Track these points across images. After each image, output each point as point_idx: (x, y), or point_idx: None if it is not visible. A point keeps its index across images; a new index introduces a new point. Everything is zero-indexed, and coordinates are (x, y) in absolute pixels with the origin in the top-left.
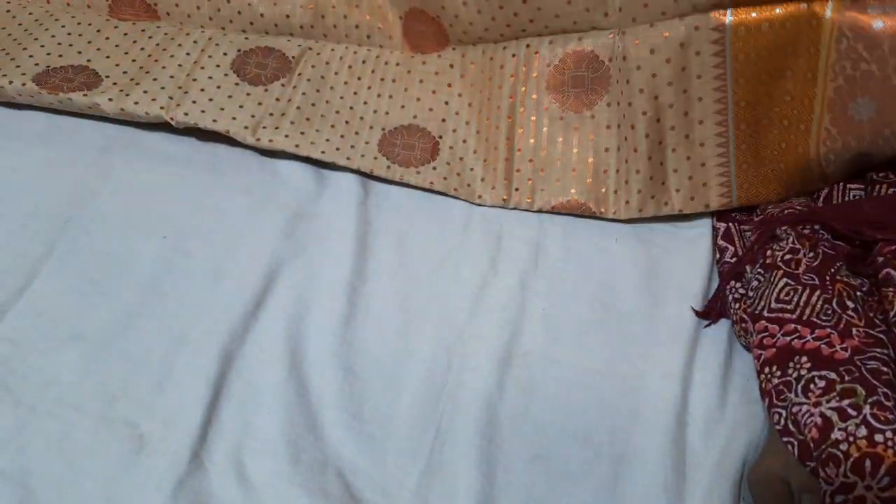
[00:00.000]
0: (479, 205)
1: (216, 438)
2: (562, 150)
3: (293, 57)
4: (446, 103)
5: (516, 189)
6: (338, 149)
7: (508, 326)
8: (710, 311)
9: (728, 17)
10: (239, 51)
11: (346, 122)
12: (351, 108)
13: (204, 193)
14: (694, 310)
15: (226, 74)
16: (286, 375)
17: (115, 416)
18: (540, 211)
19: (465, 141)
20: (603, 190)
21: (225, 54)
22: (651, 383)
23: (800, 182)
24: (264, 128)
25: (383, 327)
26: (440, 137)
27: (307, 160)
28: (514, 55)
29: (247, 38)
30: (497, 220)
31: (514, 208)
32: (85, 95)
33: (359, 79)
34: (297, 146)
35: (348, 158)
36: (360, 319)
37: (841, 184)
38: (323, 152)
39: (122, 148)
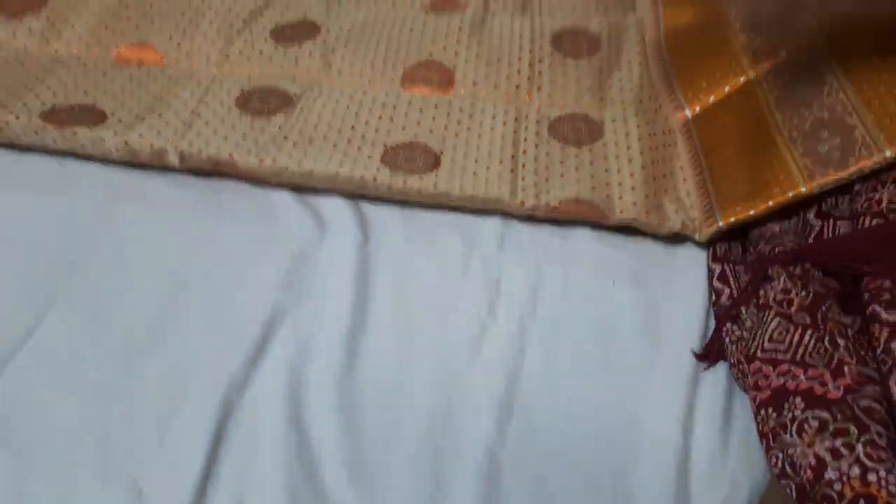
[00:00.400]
0: (482, 211)
1: (215, 492)
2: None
3: (295, 94)
4: (445, 127)
5: (522, 189)
6: (341, 164)
7: (508, 372)
8: (709, 354)
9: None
10: (242, 90)
11: (348, 140)
12: (352, 127)
13: (206, 240)
14: (693, 352)
15: (229, 109)
16: (286, 425)
17: (115, 470)
18: (545, 209)
19: (465, 154)
20: (607, 194)
21: (229, 93)
22: (653, 428)
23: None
24: (266, 151)
25: (383, 376)
26: (441, 153)
27: (309, 206)
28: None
29: (250, 79)
30: (496, 263)
31: (522, 203)
32: (90, 129)
33: (360, 105)
34: (299, 162)
35: (351, 169)
36: (360, 368)
37: (831, 220)
38: (325, 164)
39: (128, 195)
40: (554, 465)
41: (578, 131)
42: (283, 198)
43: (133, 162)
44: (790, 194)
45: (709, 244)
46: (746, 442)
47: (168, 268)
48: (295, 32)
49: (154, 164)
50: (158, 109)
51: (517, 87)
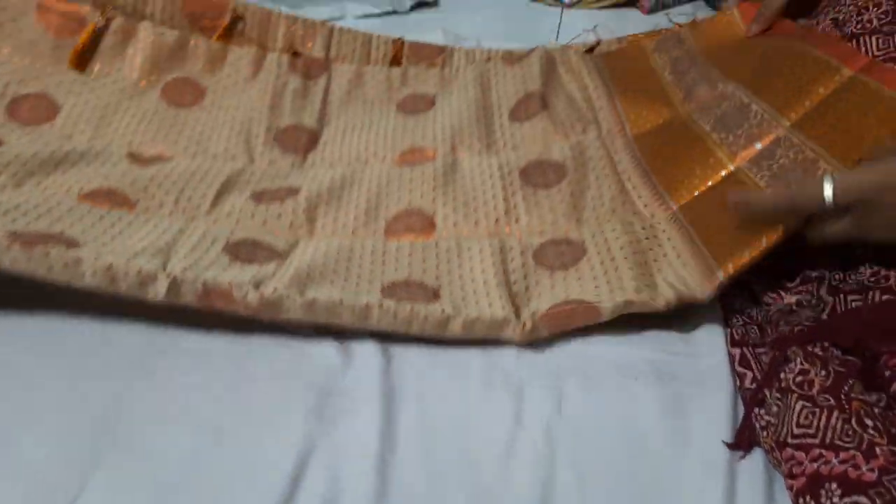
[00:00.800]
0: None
1: None
2: (551, 284)
3: (283, 249)
4: (437, 266)
5: (520, 311)
6: (342, 291)
7: (540, 482)
8: (741, 442)
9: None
10: (227, 240)
11: (345, 279)
12: (347, 268)
13: (235, 384)
14: (725, 443)
15: (217, 255)
16: None
17: None
18: (540, 319)
19: (462, 287)
20: (597, 298)
21: (213, 241)
22: None
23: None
24: (265, 284)
25: (416, 500)
26: (439, 287)
27: (332, 335)
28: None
29: (233, 233)
30: (516, 373)
31: (524, 326)
32: (67, 250)
33: (350, 252)
34: (301, 293)
35: (354, 298)
36: (392, 495)
37: (841, 295)
38: (327, 294)
39: (161, 350)
40: None
41: (562, 255)
42: (306, 331)
43: (109, 291)
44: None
45: (726, 328)
46: None
47: (198, 415)
48: (275, 195)
49: (131, 296)
50: (134, 240)
51: (496, 220)
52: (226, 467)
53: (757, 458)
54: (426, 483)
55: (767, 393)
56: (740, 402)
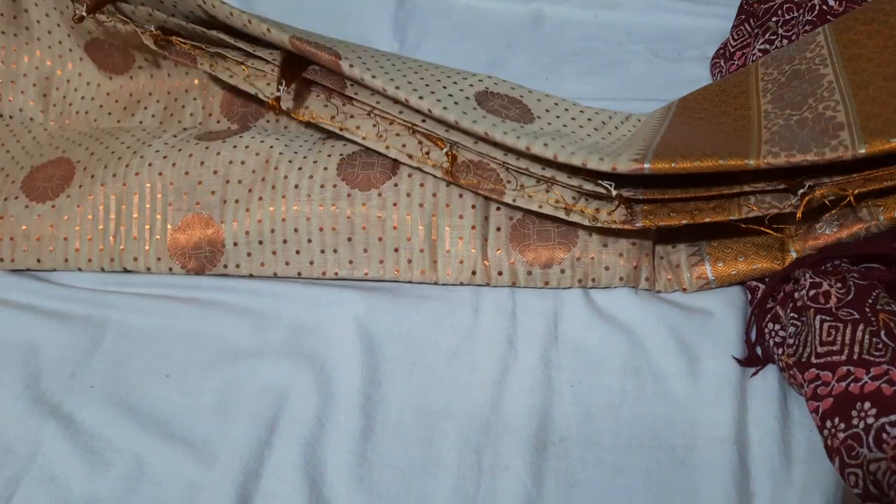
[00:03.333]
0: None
1: None
2: None
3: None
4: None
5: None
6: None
7: (537, 412)
8: (754, 358)
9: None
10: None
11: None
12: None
13: (202, 323)
14: (736, 359)
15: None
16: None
17: None
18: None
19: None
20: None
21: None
22: (704, 452)
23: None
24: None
25: (404, 437)
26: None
27: (307, 282)
28: None
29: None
30: (509, 295)
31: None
32: None
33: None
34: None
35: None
36: (378, 432)
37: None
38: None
39: (117, 295)
40: None
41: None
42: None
43: None
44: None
45: None
46: (812, 452)
47: (166, 357)
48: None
49: None
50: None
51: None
52: (198, 414)
53: (771, 375)
54: (415, 420)
55: (781, 311)
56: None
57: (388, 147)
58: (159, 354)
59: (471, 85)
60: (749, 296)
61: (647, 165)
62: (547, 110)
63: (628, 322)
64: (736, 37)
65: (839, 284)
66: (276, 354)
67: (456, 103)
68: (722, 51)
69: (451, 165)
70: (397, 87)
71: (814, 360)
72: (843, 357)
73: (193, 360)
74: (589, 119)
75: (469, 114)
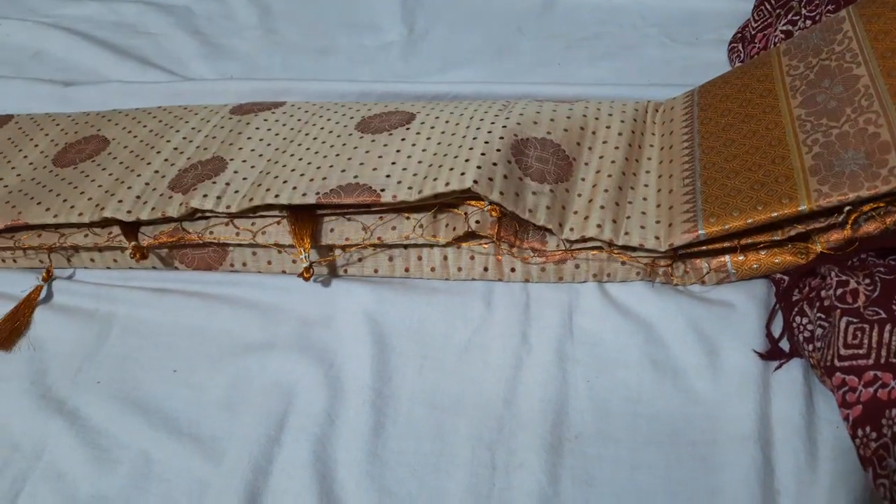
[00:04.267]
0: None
1: None
2: None
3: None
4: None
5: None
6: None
7: (552, 408)
8: (777, 352)
9: None
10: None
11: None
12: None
13: (209, 317)
14: (757, 353)
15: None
16: (316, 502)
17: None
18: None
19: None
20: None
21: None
22: (725, 448)
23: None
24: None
25: (415, 432)
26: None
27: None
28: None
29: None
30: (522, 287)
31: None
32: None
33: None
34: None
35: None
36: (388, 427)
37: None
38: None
39: (123, 290)
40: None
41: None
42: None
43: None
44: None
45: None
46: (838, 450)
47: (174, 352)
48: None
49: None
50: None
51: None
52: (206, 409)
53: (795, 369)
54: (427, 415)
55: (808, 310)
56: (777, 314)
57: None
58: (166, 349)
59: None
60: (774, 288)
61: (701, 232)
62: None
63: (645, 314)
64: (757, 17)
65: (867, 280)
66: (284, 349)
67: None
68: (740, 34)
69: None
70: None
71: (838, 364)
72: (870, 361)
73: (201, 354)
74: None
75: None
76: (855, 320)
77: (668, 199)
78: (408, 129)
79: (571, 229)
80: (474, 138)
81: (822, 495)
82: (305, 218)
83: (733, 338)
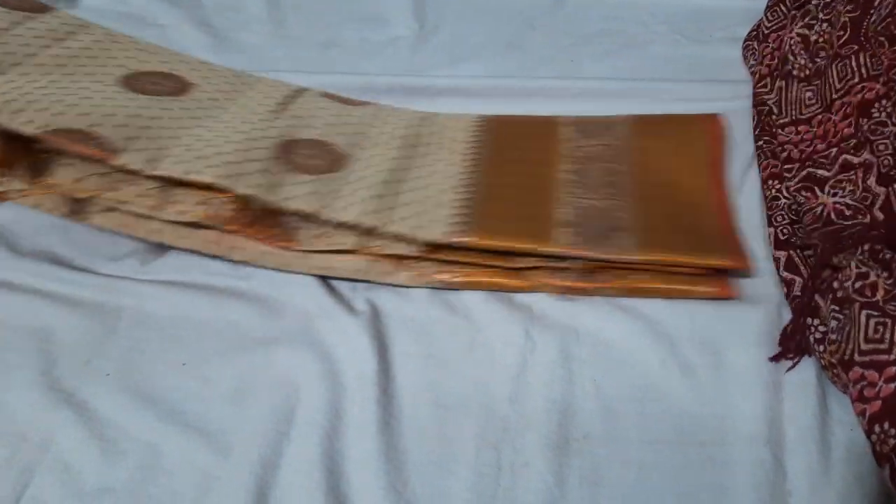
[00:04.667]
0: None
1: None
2: None
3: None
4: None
5: None
6: None
7: (558, 408)
8: (787, 351)
9: None
10: None
11: None
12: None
13: (217, 310)
14: (771, 358)
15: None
16: (324, 500)
17: None
18: None
19: None
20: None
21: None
22: (735, 449)
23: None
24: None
25: (420, 431)
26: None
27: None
28: None
29: None
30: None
31: None
32: None
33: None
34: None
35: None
36: (394, 425)
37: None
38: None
39: (131, 282)
40: None
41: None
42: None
43: None
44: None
45: (769, 227)
46: (852, 452)
47: (182, 346)
48: None
49: None
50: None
51: None
52: (214, 403)
53: (808, 370)
54: (431, 413)
55: (821, 302)
56: (784, 312)
57: None
58: (174, 342)
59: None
60: (785, 288)
61: (465, 240)
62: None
63: (652, 314)
64: (771, 17)
65: (886, 274)
66: (290, 343)
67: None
68: (755, 32)
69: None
70: None
71: (857, 359)
72: (892, 356)
73: (209, 348)
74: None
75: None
76: (876, 314)
77: (438, 199)
78: (176, 99)
79: (335, 214)
80: (238, 132)
81: (835, 497)
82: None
83: (742, 337)
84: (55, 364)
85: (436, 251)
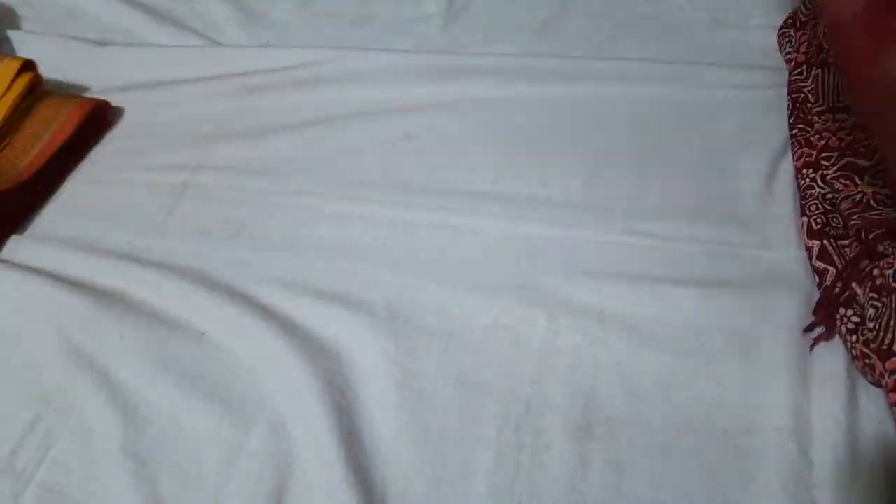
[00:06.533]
0: None
1: None
2: None
3: None
4: None
5: None
6: None
7: (582, 391)
8: (820, 319)
9: None
10: None
11: None
12: None
13: (233, 278)
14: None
15: None
16: (342, 477)
17: None
18: None
19: None
20: None
21: None
22: (761, 440)
23: None
24: None
25: (440, 409)
26: None
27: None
28: None
29: None
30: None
31: None
32: None
33: None
34: None
35: None
36: (413, 404)
37: None
38: None
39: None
40: (650, 494)
41: None
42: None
43: None
44: None
45: (802, 216)
46: (881, 446)
47: (201, 315)
48: None
49: None
50: None
51: None
52: (233, 375)
53: (837, 360)
54: (452, 394)
55: (859, 291)
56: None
57: None
58: (193, 311)
59: None
60: (817, 279)
61: None
62: None
63: (678, 300)
64: (808, 6)
65: None
66: (310, 317)
67: None
68: (791, 20)
69: None
70: None
71: None
72: None
73: (229, 318)
74: None
75: None
76: None
77: None
78: None
79: None
80: None
81: (862, 490)
82: None
83: (770, 327)
84: (74, 328)
85: None
